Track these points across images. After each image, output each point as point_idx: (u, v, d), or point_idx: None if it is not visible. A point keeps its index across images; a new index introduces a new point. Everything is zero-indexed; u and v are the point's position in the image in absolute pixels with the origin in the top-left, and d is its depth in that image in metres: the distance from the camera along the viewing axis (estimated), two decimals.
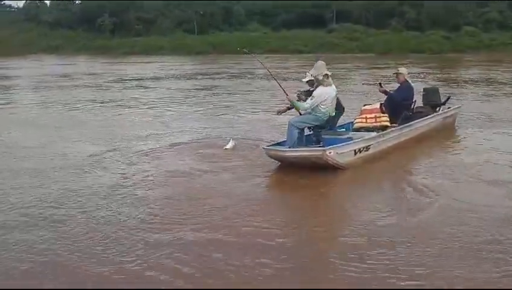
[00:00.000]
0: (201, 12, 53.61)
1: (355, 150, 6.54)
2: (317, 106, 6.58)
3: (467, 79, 19.26)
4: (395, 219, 4.80)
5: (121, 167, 6.71)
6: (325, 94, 6.58)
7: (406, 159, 7.20)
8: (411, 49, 38.19)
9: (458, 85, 16.97)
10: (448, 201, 5.26)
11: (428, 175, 6.28)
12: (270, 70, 7.58)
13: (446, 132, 8.65)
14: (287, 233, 4.51)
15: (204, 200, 5.35)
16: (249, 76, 21.27)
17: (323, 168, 6.25)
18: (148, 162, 7.02)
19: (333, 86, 6.77)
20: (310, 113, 6.70)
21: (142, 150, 7.69)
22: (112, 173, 6.44)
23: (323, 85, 6.63)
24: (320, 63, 6.77)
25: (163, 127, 9.76)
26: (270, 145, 6.75)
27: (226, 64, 29.05)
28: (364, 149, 6.64)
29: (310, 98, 6.67)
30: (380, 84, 8.27)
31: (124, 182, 6.01)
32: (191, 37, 49.43)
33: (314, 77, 6.73)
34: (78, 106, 12.98)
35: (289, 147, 6.53)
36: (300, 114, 6.90)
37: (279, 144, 6.81)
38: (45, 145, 8.24)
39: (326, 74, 6.62)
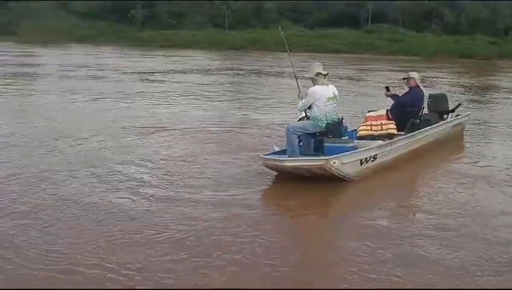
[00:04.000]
0: (233, 8, 53.61)
1: (361, 160, 5.92)
2: (311, 106, 6.10)
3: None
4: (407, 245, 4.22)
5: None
6: (318, 93, 6.08)
7: (416, 170, 6.69)
8: (459, 54, 36.69)
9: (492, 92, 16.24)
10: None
11: (443, 188, 5.78)
12: (294, 66, 7.19)
13: (455, 141, 8.22)
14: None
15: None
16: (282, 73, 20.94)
17: (328, 179, 5.67)
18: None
19: (331, 86, 6.25)
20: (308, 118, 6.23)
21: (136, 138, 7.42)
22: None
23: (317, 84, 6.15)
24: (316, 63, 6.30)
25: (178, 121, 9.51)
26: (269, 154, 6.14)
27: (262, 61, 28.78)
28: (371, 159, 6.02)
29: (305, 97, 6.24)
30: (387, 88, 7.70)
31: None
32: (224, 32, 49.28)
33: (310, 78, 6.24)
34: (107, 97, 12.75)
35: (289, 156, 5.96)
36: (308, 118, 6.34)
37: (280, 152, 6.21)
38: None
39: (320, 73, 6.15)
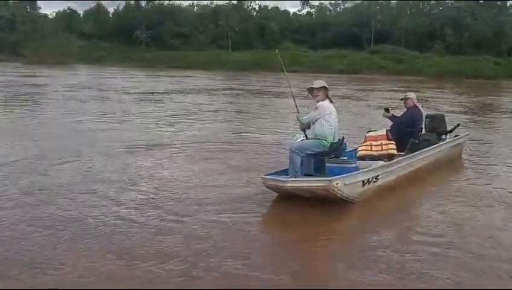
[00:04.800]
0: (237, 29, 54.22)
1: (363, 181, 5.78)
2: (316, 123, 5.96)
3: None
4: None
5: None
6: (330, 108, 6.01)
7: (417, 191, 6.57)
8: (465, 74, 36.81)
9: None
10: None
11: (446, 210, 5.66)
12: (292, 86, 7.03)
13: (455, 161, 8.14)
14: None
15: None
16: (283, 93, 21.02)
17: (329, 201, 5.52)
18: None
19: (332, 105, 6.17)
20: (307, 138, 6.13)
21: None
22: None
23: (329, 101, 6.09)
24: (321, 81, 6.21)
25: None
26: (271, 174, 5.97)
27: (264, 82, 28.95)
28: (374, 179, 5.89)
29: (313, 110, 6.06)
30: (387, 109, 7.69)
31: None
32: (228, 53, 49.74)
33: (326, 90, 6.08)
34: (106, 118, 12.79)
35: (291, 177, 5.82)
36: (307, 137, 6.28)
37: (280, 172, 6.04)
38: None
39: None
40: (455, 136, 8.25)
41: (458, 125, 8.56)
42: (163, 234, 4.74)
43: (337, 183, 5.50)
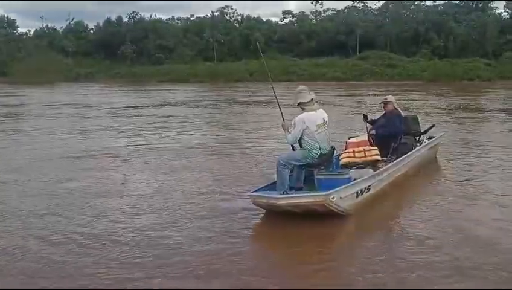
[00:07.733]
0: (222, 41, 54.29)
1: (357, 192, 5.44)
2: (302, 136, 5.50)
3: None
4: None
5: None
6: (307, 120, 5.47)
7: (406, 197, 6.40)
8: (459, 77, 37.07)
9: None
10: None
11: (439, 210, 5.52)
12: (276, 95, 6.50)
13: (435, 161, 8.07)
14: None
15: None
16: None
17: (319, 215, 5.15)
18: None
19: (320, 111, 5.65)
20: (299, 147, 5.68)
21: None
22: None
23: (305, 110, 5.55)
24: (300, 87, 5.75)
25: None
26: (258, 190, 5.53)
27: (251, 91, 28.97)
28: (366, 190, 5.57)
29: (291, 128, 5.62)
30: (365, 116, 7.55)
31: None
32: (215, 64, 49.51)
33: (296, 105, 5.65)
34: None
35: (283, 192, 5.41)
36: (293, 148, 5.82)
37: (266, 187, 5.62)
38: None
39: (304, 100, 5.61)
40: (430, 137, 8.07)
41: (433, 126, 8.41)
42: (139, 255, 4.38)
43: (333, 198, 5.13)
